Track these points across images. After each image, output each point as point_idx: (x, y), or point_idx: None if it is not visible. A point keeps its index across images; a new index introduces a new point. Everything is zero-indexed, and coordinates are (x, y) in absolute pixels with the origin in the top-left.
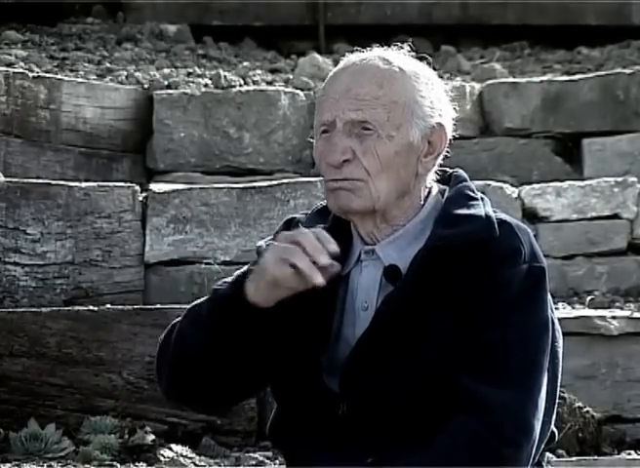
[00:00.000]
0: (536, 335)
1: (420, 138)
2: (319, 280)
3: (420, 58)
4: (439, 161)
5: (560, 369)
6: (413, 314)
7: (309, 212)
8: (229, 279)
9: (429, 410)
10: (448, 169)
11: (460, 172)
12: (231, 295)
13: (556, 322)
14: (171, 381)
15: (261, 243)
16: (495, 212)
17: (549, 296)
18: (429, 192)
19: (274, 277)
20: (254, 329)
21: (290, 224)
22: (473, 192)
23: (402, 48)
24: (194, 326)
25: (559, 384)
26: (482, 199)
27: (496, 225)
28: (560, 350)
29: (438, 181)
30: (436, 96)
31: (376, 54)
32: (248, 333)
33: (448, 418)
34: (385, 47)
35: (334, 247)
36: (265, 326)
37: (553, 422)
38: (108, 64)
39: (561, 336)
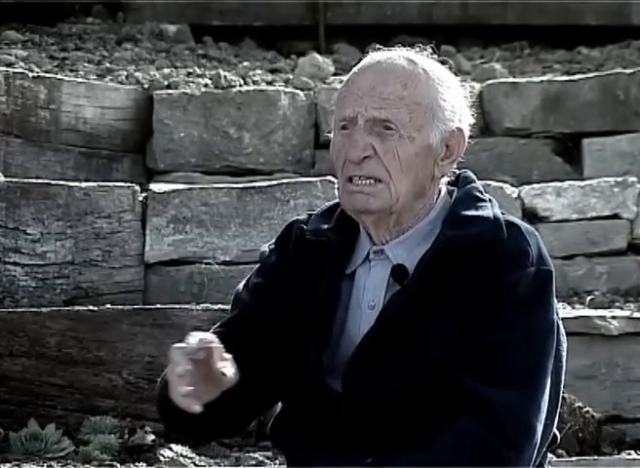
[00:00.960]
0: (541, 338)
1: (439, 142)
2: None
3: (442, 62)
4: (455, 165)
5: (563, 372)
6: (419, 314)
7: (313, 212)
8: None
9: (431, 411)
10: (456, 170)
11: (469, 173)
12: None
13: (561, 325)
14: (174, 431)
15: (265, 248)
16: (503, 214)
17: (555, 300)
18: (439, 193)
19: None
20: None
21: (291, 228)
22: (481, 194)
23: (424, 49)
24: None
25: (562, 388)
26: (490, 200)
27: (504, 227)
28: (564, 354)
29: (446, 182)
30: (457, 100)
31: (400, 53)
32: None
33: (450, 419)
34: (405, 47)
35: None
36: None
37: (555, 425)
38: (108, 64)
39: (565, 341)
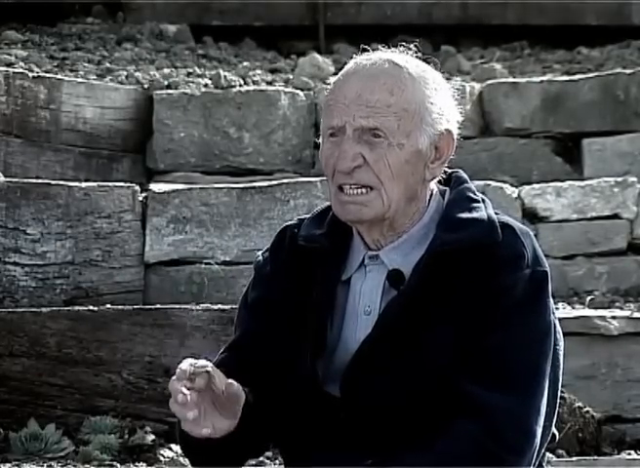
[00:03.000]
0: (538, 340)
1: (428, 145)
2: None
3: (427, 61)
4: (445, 166)
5: (561, 372)
6: (416, 318)
7: (305, 218)
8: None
9: (430, 415)
10: (447, 169)
11: (461, 173)
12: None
13: (557, 325)
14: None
15: (259, 256)
16: (497, 214)
17: (551, 300)
18: (431, 195)
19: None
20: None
21: (284, 233)
22: (474, 194)
23: (409, 49)
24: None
25: (560, 388)
26: (483, 201)
27: (499, 229)
28: (561, 353)
29: (438, 182)
30: (444, 101)
31: (385, 57)
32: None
33: (449, 423)
34: (391, 48)
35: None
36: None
37: (554, 424)
38: (108, 64)
39: (562, 340)
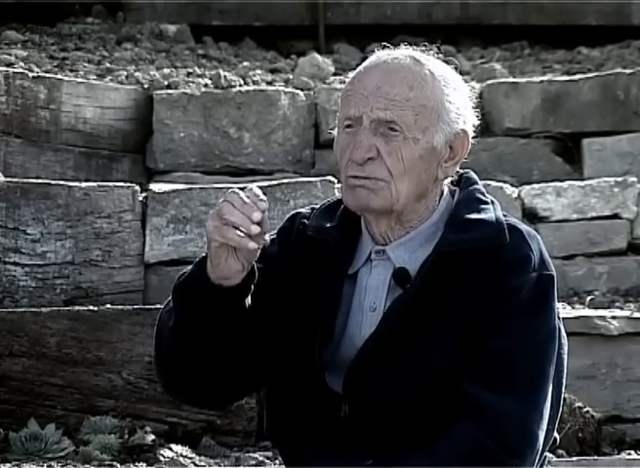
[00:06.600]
0: (543, 344)
1: (443, 143)
2: (253, 230)
3: (447, 63)
4: (458, 167)
5: (564, 376)
6: (421, 317)
7: (315, 208)
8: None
9: (432, 414)
10: (458, 169)
11: (471, 173)
12: (194, 277)
13: (562, 329)
14: (165, 376)
15: (266, 237)
16: (505, 216)
17: (556, 303)
18: (442, 194)
19: (216, 240)
20: (227, 312)
21: (294, 219)
22: (484, 195)
23: (430, 49)
24: (169, 315)
25: (563, 392)
26: (492, 202)
27: (506, 231)
28: (565, 357)
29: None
30: (462, 102)
31: (406, 53)
32: (222, 318)
33: (451, 424)
34: (392, 48)
35: (263, 204)
36: (241, 311)
37: (556, 428)
38: (108, 64)
39: (566, 344)
